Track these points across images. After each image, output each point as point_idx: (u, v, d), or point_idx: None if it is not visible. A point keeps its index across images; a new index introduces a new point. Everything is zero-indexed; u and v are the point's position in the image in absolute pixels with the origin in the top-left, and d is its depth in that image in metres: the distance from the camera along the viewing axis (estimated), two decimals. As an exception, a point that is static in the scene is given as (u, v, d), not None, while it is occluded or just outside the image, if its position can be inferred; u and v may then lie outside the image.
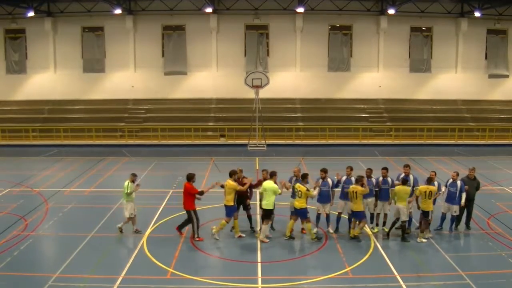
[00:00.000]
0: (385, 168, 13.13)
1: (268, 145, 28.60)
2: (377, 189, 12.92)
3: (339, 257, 11.46)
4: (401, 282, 10.01)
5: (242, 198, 13.06)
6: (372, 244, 12.14)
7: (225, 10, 32.53)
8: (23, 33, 33.25)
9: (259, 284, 10.12)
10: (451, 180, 12.85)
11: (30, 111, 32.70)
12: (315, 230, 12.92)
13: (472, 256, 11.73)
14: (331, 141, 29.93)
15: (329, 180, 12.84)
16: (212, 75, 33.39)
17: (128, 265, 10.92)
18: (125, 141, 30.15)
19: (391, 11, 30.04)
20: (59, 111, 32.73)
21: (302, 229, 13.09)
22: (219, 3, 32.50)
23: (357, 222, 12.54)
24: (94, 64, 33.29)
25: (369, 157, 25.00)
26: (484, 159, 24.55)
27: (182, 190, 12.59)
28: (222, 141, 30.31)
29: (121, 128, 30.88)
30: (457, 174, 12.93)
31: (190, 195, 12.38)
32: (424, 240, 12.29)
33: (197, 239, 12.42)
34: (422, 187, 12.34)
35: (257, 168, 22.03)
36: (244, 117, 30.19)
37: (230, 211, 12.54)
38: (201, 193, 12.47)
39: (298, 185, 12.37)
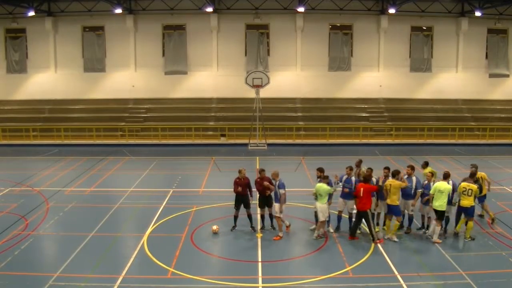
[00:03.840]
0: (387, 168, 13.16)
1: (269, 144, 28.60)
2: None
3: (339, 256, 11.47)
4: (402, 282, 10.02)
5: (245, 197, 13.08)
6: (373, 244, 12.14)
7: (225, 9, 32.53)
8: (23, 32, 33.26)
9: (259, 284, 10.12)
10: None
11: (30, 110, 32.72)
12: (312, 227, 12.99)
13: (472, 256, 11.72)
14: (331, 141, 29.92)
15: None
16: (213, 74, 33.40)
17: (128, 264, 10.93)
18: (125, 140, 30.16)
19: (391, 11, 30.02)
20: (60, 111, 32.74)
21: (286, 227, 13.08)
22: (220, 3, 32.50)
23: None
24: (94, 63, 33.29)
25: (370, 157, 24.96)
26: (484, 159, 24.52)
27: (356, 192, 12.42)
28: (222, 140, 30.31)
29: (122, 127, 30.89)
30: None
31: (370, 194, 12.31)
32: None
33: (378, 241, 12.24)
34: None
35: (257, 167, 22.03)
36: (245, 116, 30.18)
37: (397, 210, 12.45)
38: (380, 187, 12.56)
39: (467, 184, 12.34)
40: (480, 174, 13.62)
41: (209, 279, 10.20)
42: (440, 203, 12.07)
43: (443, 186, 12.14)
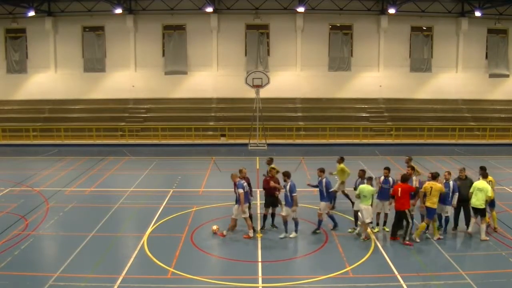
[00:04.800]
0: (387, 168, 13.16)
1: (269, 144, 28.60)
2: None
3: (339, 256, 11.47)
4: (402, 282, 10.01)
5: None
6: (373, 244, 12.15)
7: (225, 9, 32.52)
8: (23, 32, 33.24)
9: (259, 284, 10.12)
10: (444, 181, 12.85)
11: (30, 110, 32.71)
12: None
13: (472, 256, 11.74)
14: (331, 141, 29.92)
15: (288, 185, 12.58)
16: (213, 74, 33.39)
17: (128, 264, 10.93)
18: (125, 140, 30.16)
19: (391, 11, 30.01)
20: (60, 111, 32.74)
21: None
22: (220, 3, 32.50)
23: None
24: (94, 63, 33.28)
25: (370, 157, 25.00)
26: (484, 159, 24.48)
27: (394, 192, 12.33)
28: (222, 140, 30.31)
29: (122, 127, 30.89)
30: (449, 174, 12.91)
31: (409, 195, 12.23)
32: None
33: (408, 243, 12.09)
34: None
35: (258, 167, 22.04)
36: (245, 116, 30.18)
37: (433, 213, 12.37)
38: (417, 189, 12.53)
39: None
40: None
41: (209, 279, 10.20)
42: (480, 202, 12.28)
43: (482, 184, 12.38)
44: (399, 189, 12.10)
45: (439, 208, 12.91)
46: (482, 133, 30.81)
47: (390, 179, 13.01)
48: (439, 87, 33.81)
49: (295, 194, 12.40)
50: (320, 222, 12.97)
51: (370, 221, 12.36)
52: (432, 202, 12.22)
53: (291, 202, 12.46)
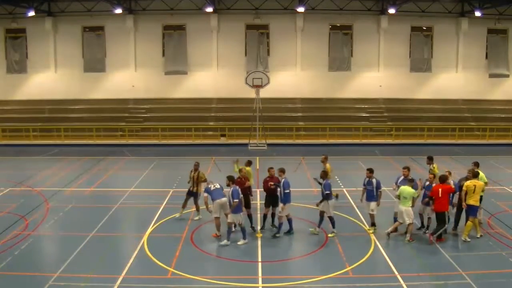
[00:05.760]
0: (369, 169, 13.14)
1: (269, 144, 28.59)
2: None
3: (339, 256, 11.46)
4: (402, 282, 10.00)
5: (245, 197, 13.07)
6: (373, 244, 12.15)
7: (225, 9, 32.53)
8: (23, 32, 33.25)
9: (259, 284, 10.12)
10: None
11: (30, 110, 32.71)
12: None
13: (472, 256, 11.71)
14: (331, 141, 29.91)
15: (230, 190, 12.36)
16: (213, 74, 33.39)
17: (128, 264, 10.92)
18: (125, 140, 30.16)
19: (391, 11, 30.03)
20: (60, 111, 32.73)
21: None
22: (220, 3, 32.50)
23: None
24: (94, 63, 33.28)
25: (370, 157, 24.98)
26: (484, 159, 24.40)
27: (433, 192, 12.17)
28: (222, 140, 30.31)
29: (122, 127, 30.89)
30: (450, 174, 12.93)
31: (448, 195, 12.16)
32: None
33: (437, 240, 12.10)
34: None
35: (257, 167, 22.02)
36: (245, 116, 30.14)
37: (476, 211, 12.32)
38: (455, 191, 12.45)
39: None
40: None
41: (209, 279, 10.19)
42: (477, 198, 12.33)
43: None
44: (440, 189, 11.96)
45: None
46: (482, 133, 30.82)
47: (374, 180, 12.93)
48: (439, 87, 33.81)
49: (236, 201, 12.07)
50: (280, 225, 12.76)
51: (411, 221, 12.24)
52: (475, 200, 12.16)
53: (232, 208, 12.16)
